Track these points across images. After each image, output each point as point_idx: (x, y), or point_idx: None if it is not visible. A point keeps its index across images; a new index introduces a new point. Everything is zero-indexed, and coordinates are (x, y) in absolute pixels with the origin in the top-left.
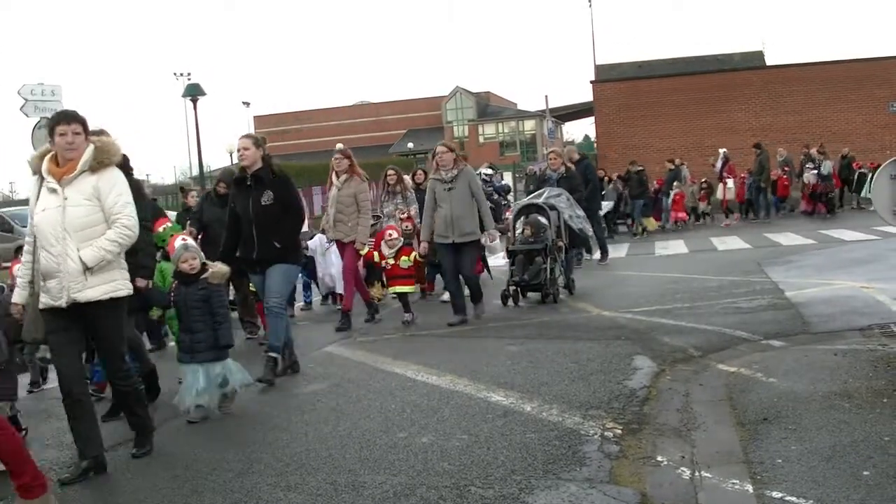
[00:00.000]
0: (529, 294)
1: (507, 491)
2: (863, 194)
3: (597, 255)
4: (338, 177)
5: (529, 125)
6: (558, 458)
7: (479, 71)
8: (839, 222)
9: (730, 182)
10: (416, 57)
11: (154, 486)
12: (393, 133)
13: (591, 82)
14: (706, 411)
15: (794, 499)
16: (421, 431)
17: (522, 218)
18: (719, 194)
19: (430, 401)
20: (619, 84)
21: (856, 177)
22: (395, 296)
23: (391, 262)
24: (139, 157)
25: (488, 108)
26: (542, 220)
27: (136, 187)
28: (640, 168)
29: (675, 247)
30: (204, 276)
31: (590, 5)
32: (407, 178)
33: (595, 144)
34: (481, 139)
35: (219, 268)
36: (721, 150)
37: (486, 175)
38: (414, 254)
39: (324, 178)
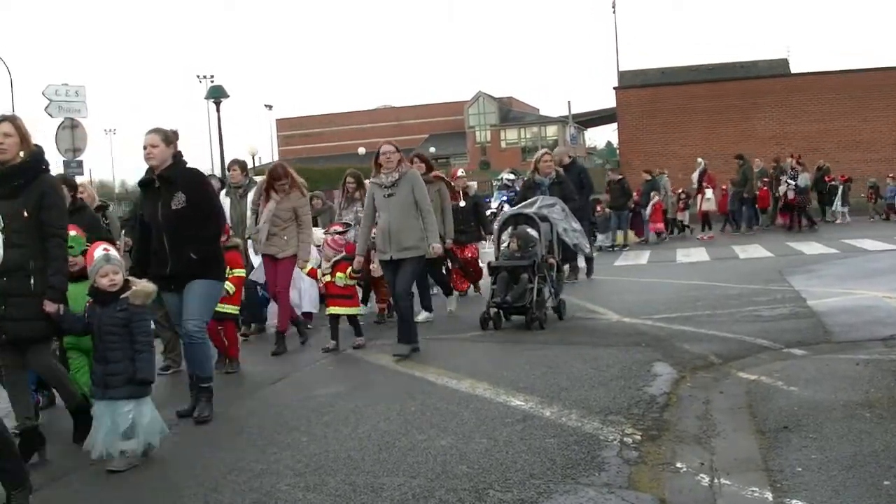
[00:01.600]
0: (514, 317)
1: (525, 495)
2: (834, 207)
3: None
4: (276, 192)
5: (552, 131)
6: (577, 462)
7: (501, 76)
8: (848, 233)
9: (708, 192)
10: (438, 61)
11: (174, 486)
12: (415, 137)
13: (615, 88)
14: (726, 419)
15: None
16: (440, 434)
17: (510, 229)
18: (699, 206)
19: (450, 404)
20: (642, 90)
21: (827, 189)
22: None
23: (327, 278)
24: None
25: (510, 113)
26: (532, 232)
27: (50, 186)
28: (621, 177)
29: (697, 254)
30: (124, 295)
31: (614, 11)
32: (368, 183)
33: (618, 151)
34: (503, 144)
35: (143, 286)
36: (699, 160)
37: (507, 180)
38: (350, 270)
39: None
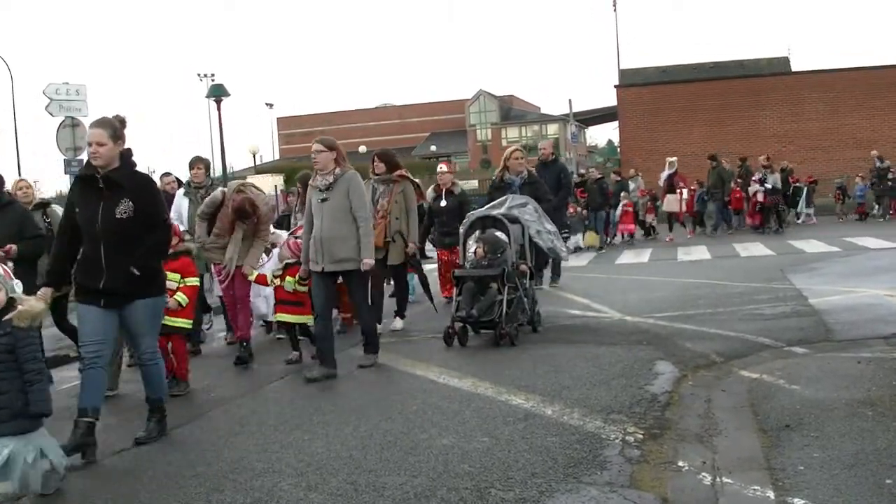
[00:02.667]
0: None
1: (527, 494)
2: (799, 209)
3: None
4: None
5: (553, 129)
6: (579, 461)
7: (502, 74)
8: (858, 230)
9: (684, 193)
10: (439, 60)
11: (177, 484)
12: (416, 136)
13: (615, 87)
14: (728, 417)
15: None
16: (442, 433)
17: (476, 233)
18: (666, 206)
19: (452, 403)
20: (643, 89)
21: (791, 191)
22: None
23: (277, 281)
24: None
25: (511, 111)
26: (501, 236)
27: None
28: (600, 176)
29: (698, 252)
30: (7, 316)
31: (615, 9)
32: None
33: (619, 149)
34: (504, 142)
35: (29, 306)
36: (669, 160)
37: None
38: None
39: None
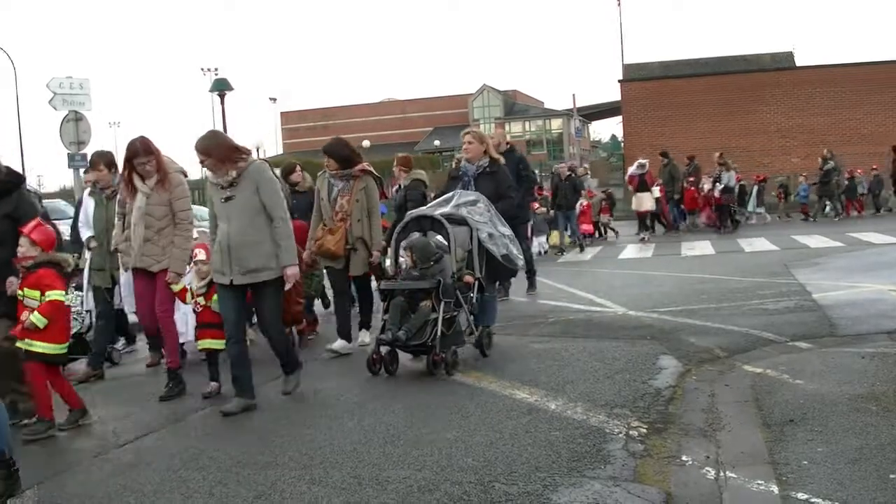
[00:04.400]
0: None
1: (531, 488)
2: (749, 208)
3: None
4: (143, 179)
5: (556, 124)
6: (583, 455)
7: (506, 69)
8: (859, 226)
9: (656, 191)
10: (443, 54)
11: (180, 478)
12: (419, 130)
13: (619, 81)
14: (732, 412)
15: (819, 500)
16: (445, 427)
17: (414, 235)
18: (635, 205)
19: (455, 397)
20: (647, 83)
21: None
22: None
23: (201, 301)
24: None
25: (515, 106)
26: (440, 240)
27: None
28: (570, 173)
29: (702, 248)
30: None
31: (618, 4)
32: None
33: (622, 144)
34: (508, 137)
35: None
36: (638, 161)
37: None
38: None
39: None
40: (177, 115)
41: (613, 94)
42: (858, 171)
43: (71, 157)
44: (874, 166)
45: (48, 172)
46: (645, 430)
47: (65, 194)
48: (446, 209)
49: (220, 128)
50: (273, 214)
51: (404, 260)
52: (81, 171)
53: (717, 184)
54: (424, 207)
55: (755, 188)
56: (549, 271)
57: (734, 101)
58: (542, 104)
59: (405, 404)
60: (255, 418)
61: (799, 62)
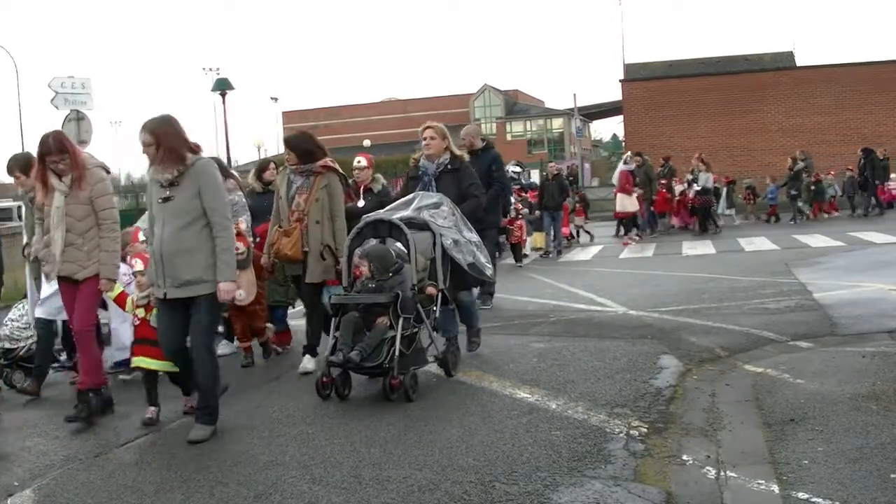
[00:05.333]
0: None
1: (531, 487)
2: (719, 210)
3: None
4: (59, 177)
5: (557, 123)
6: (583, 455)
7: (507, 68)
8: (858, 226)
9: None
10: (444, 54)
11: (181, 477)
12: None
13: (620, 81)
14: (732, 411)
15: (819, 500)
16: (446, 427)
17: (373, 241)
18: (619, 206)
19: (456, 396)
20: (648, 83)
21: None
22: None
23: (140, 314)
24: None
25: (516, 105)
26: (399, 248)
27: None
28: (558, 172)
29: (703, 247)
30: None
31: (620, 3)
32: (240, 175)
33: (623, 144)
34: (509, 137)
35: None
36: (625, 155)
37: (514, 173)
38: None
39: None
40: (178, 114)
41: (614, 93)
42: (831, 172)
43: None
44: (849, 167)
45: None
46: (645, 430)
47: None
48: (406, 213)
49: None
50: (213, 220)
51: (365, 270)
52: None
53: (694, 185)
54: (381, 211)
55: (724, 190)
56: (551, 271)
57: (735, 100)
58: (543, 104)
59: (406, 404)
60: (255, 417)
61: (800, 62)
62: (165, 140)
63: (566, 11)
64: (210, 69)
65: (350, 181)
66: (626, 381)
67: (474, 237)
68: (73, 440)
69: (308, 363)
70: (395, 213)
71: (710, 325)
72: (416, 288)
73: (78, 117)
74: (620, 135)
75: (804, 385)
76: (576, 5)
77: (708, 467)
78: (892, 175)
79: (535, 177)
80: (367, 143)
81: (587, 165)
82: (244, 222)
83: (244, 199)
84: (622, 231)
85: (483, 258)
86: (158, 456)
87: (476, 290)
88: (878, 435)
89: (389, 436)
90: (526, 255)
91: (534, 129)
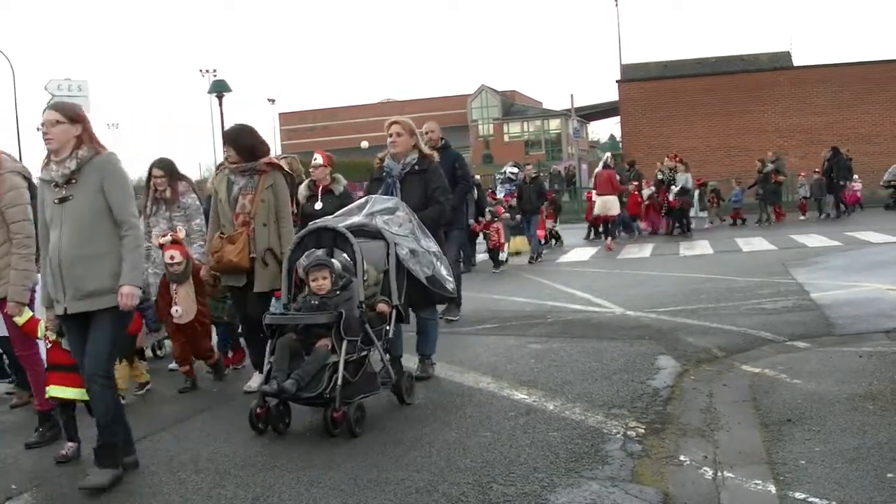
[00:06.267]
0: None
1: (529, 488)
2: (692, 213)
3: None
4: None
5: (554, 124)
6: (581, 456)
7: (504, 69)
8: (857, 224)
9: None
10: (441, 55)
11: (178, 480)
12: (418, 131)
13: (617, 82)
14: (730, 412)
15: (817, 500)
16: (443, 428)
17: (316, 253)
18: (599, 209)
19: (453, 398)
20: (645, 84)
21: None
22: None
23: (51, 336)
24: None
25: (513, 106)
26: (346, 260)
27: None
28: (536, 174)
29: (700, 247)
30: None
31: (616, 4)
32: (193, 177)
33: (621, 144)
34: (506, 138)
35: None
36: (605, 154)
37: (511, 174)
38: None
39: (353, 175)
40: (175, 116)
41: (612, 94)
42: (802, 174)
43: None
44: (816, 169)
45: None
46: (643, 431)
47: None
48: (356, 219)
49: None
50: (120, 219)
51: (325, 283)
52: None
53: (673, 186)
54: (329, 217)
55: (696, 192)
56: (548, 272)
57: (732, 101)
58: (540, 104)
59: (403, 406)
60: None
61: (796, 61)
62: (64, 133)
63: (563, 12)
64: (207, 71)
65: (308, 181)
66: (624, 381)
67: (434, 247)
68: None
69: (255, 381)
70: (345, 219)
71: (707, 326)
72: (364, 305)
73: None
74: (618, 135)
75: (801, 385)
76: (573, 6)
77: (705, 468)
78: (855, 175)
79: None
80: (364, 144)
81: (584, 166)
82: (183, 230)
83: (198, 202)
84: (594, 234)
85: (444, 270)
86: (156, 459)
87: (440, 307)
88: (875, 434)
89: (387, 437)
90: (503, 261)
91: (531, 129)
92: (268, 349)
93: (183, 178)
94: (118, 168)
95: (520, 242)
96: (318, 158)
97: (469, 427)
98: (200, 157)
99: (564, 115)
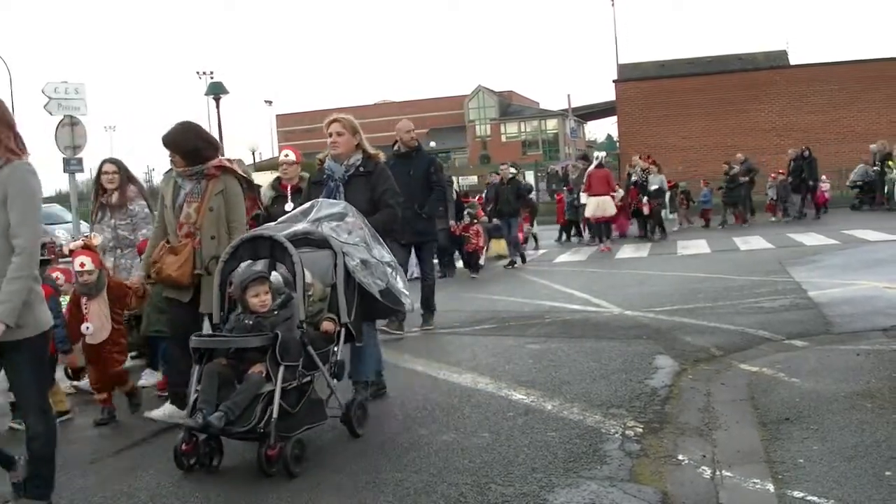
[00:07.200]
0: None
1: (527, 489)
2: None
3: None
4: None
5: (552, 124)
6: (579, 456)
7: (501, 70)
8: (855, 222)
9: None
10: (438, 56)
11: (175, 484)
12: (415, 132)
13: (614, 81)
14: (728, 411)
15: (815, 498)
16: (442, 429)
17: (256, 266)
18: (591, 211)
19: (452, 399)
20: (641, 83)
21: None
22: None
23: None
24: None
25: (510, 107)
26: (285, 273)
27: None
28: (513, 175)
29: (698, 246)
30: None
31: (613, 4)
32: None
33: (617, 144)
34: (504, 138)
35: None
36: (596, 154)
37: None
38: None
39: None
40: (173, 118)
41: (608, 94)
42: (771, 176)
43: (66, 162)
44: (780, 171)
45: (43, 177)
46: (641, 430)
47: (60, 199)
48: (300, 226)
49: (215, 131)
50: (12, 238)
51: (267, 299)
52: (77, 175)
53: (649, 187)
54: (270, 224)
55: (667, 195)
56: (546, 272)
57: (728, 100)
58: (537, 105)
59: (401, 406)
60: None
61: (793, 60)
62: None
63: (560, 12)
64: (204, 73)
65: (273, 181)
66: (622, 381)
67: (387, 256)
68: (69, 447)
69: (163, 410)
70: (288, 226)
71: (705, 325)
72: (303, 325)
73: (72, 122)
74: (615, 135)
75: (799, 384)
76: (569, 7)
77: (704, 467)
78: (822, 176)
79: (531, 178)
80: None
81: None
82: (99, 238)
83: (147, 210)
84: (566, 237)
85: (400, 283)
86: (153, 462)
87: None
88: (873, 433)
89: (385, 438)
90: (481, 266)
91: (528, 130)
92: (194, 376)
93: (135, 181)
94: (25, 179)
95: (498, 246)
96: (290, 155)
97: (467, 427)
98: None
99: (561, 115)
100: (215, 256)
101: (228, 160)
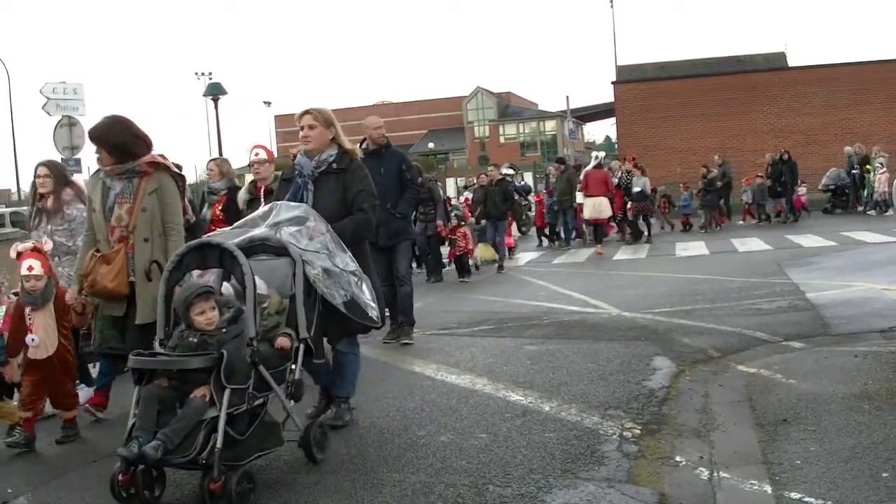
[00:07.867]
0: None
1: (525, 490)
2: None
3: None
4: None
5: (550, 126)
6: (577, 457)
7: (500, 71)
8: (848, 224)
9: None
10: (437, 57)
11: (174, 482)
12: (414, 133)
13: (613, 83)
14: (725, 412)
15: (812, 500)
16: (440, 430)
17: (205, 277)
18: (591, 212)
19: (449, 399)
20: (640, 85)
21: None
22: None
23: None
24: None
25: (509, 108)
26: (234, 285)
27: None
28: (502, 176)
29: (696, 248)
30: None
31: (611, 6)
32: (83, 181)
33: (616, 145)
34: (502, 139)
35: None
36: (594, 153)
37: (507, 176)
38: None
39: None
40: (171, 119)
41: (607, 95)
42: (745, 180)
43: (65, 163)
44: (759, 174)
45: None
46: (639, 431)
47: None
48: (257, 231)
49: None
50: None
51: (213, 315)
52: (75, 175)
53: (633, 189)
54: (226, 229)
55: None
56: (544, 273)
57: (727, 101)
58: (536, 106)
59: (399, 407)
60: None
61: (791, 62)
62: None
63: (559, 14)
64: (202, 74)
65: (249, 183)
66: (620, 382)
67: (352, 265)
68: (68, 448)
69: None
70: (244, 231)
71: (703, 326)
72: (253, 342)
73: (70, 123)
74: (613, 137)
75: (797, 385)
76: (568, 8)
77: (701, 468)
78: (799, 180)
79: (529, 179)
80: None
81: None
82: (50, 243)
83: (84, 214)
84: (547, 241)
85: (367, 293)
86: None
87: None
88: (871, 434)
89: (383, 439)
90: (476, 268)
91: (527, 131)
92: (133, 399)
93: (71, 184)
94: None
95: (484, 250)
96: (261, 153)
97: (465, 428)
98: (196, 161)
99: (560, 116)
100: (154, 261)
101: (162, 156)
